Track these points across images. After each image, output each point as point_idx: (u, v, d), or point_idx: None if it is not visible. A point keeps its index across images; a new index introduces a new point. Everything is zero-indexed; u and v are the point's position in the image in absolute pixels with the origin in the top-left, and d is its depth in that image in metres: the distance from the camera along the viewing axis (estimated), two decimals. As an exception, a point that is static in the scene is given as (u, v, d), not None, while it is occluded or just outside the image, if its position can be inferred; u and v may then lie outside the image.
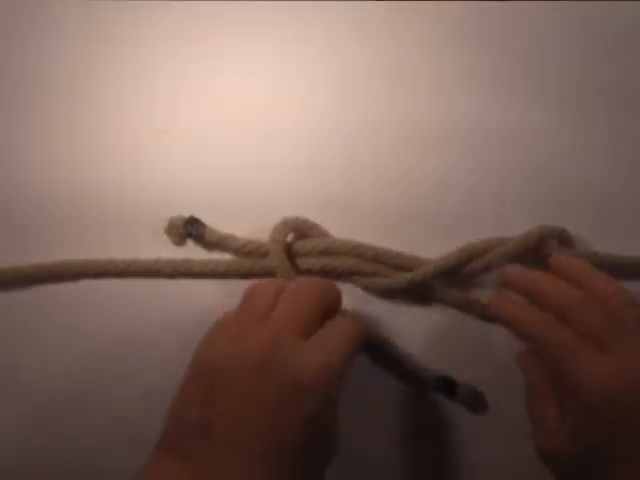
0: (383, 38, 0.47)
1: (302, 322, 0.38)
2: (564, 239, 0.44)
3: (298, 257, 0.45)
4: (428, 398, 0.44)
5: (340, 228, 0.45)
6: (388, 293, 0.45)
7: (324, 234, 0.45)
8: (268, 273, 0.45)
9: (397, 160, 0.46)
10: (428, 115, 0.46)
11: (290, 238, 0.45)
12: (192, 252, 0.46)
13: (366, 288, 0.45)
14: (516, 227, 0.44)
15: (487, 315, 0.44)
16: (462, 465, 0.44)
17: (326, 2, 0.47)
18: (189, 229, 0.45)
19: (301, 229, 0.45)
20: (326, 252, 0.45)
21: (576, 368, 0.35)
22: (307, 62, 0.47)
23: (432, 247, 0.44)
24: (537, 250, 0.43)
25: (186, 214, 0.46)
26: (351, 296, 0.45)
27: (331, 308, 0.40)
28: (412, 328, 0.44)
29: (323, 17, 0.47)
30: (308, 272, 0.45)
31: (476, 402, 0.45)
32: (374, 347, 0.44)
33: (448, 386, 0.44)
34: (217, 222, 0.46)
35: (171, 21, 0.47)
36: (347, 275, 0.45)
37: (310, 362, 0.36)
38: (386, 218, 0.46)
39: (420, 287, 0.44)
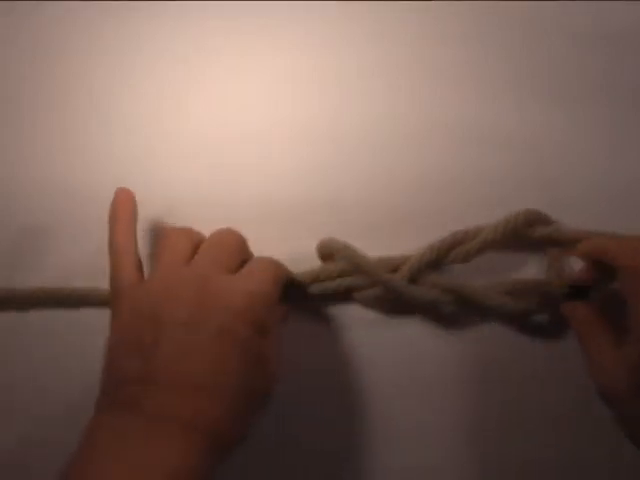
0: (381, 38, 0.47)
1: (225, 263, 0.40)
2: (540, 220, 0.44)
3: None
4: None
5: (338, 229, 0.45)
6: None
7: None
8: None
9: (396, 160, 0.46)
10: (427, 114, 0.46)
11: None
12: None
13: (365, 303, 0.45)
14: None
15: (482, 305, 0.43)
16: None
17: (325, 2, 0.47)
18: None
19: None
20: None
21: None
22: (305, 63, 0.47)
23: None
24: (520, 236, 0.43)
25: (188, 212, 0.46)
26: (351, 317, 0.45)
27: (246, 258, 0.42)
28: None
29: (321, 18, 0.48)
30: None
31: None
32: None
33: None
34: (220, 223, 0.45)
35: (172, 24, 0.48)
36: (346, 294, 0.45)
37: (239, 289, 0.38)
38: (382, 219, 0.46)
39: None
